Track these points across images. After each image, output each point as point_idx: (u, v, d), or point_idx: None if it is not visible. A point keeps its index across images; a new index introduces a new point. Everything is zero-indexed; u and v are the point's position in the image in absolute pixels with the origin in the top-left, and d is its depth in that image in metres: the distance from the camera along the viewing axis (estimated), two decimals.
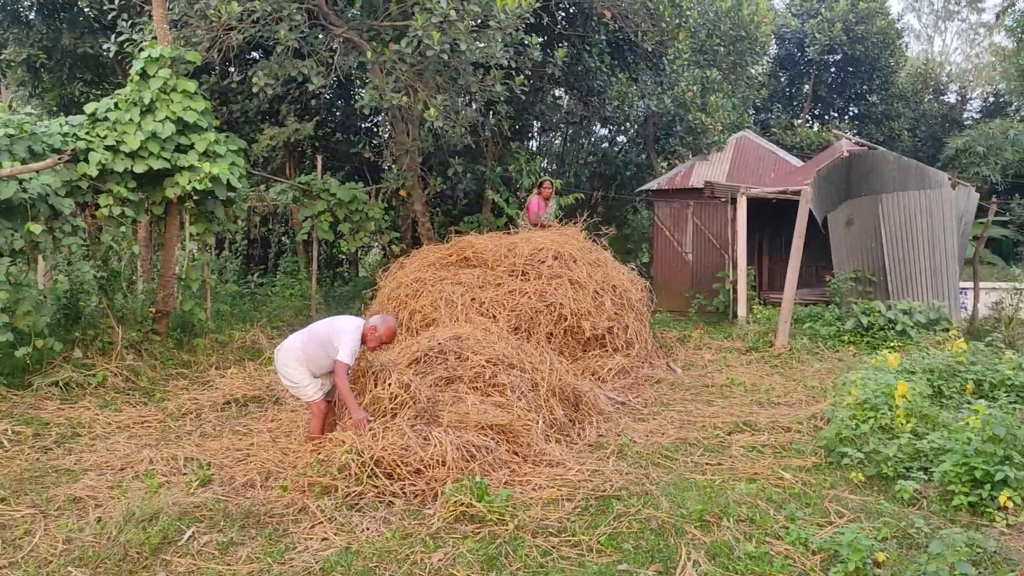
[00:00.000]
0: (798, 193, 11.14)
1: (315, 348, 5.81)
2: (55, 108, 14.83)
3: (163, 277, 9.16)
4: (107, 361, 8.28)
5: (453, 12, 8.76)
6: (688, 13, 13.08)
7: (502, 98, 10.19)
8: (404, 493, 5.14)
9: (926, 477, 5.11)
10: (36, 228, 7.02)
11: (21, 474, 5.61)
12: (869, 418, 5.87)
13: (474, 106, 10.92)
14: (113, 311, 8.64)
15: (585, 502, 5.04)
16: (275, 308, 11.90)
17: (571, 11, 14.13)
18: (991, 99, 28.76)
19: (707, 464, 5.90)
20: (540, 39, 10.54)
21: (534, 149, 19.13)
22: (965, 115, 28.54)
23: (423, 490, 5.18)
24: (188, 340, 9.61)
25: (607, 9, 11.73)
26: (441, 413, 6.04)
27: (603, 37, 14.01)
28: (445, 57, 8.90)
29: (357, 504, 5.01)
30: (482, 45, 9.17)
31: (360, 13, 10.48)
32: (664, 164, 20.31)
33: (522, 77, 10.02)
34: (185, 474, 5.68)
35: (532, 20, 10.11)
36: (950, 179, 10.92)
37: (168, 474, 5.66)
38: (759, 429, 6.80)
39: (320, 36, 10.42)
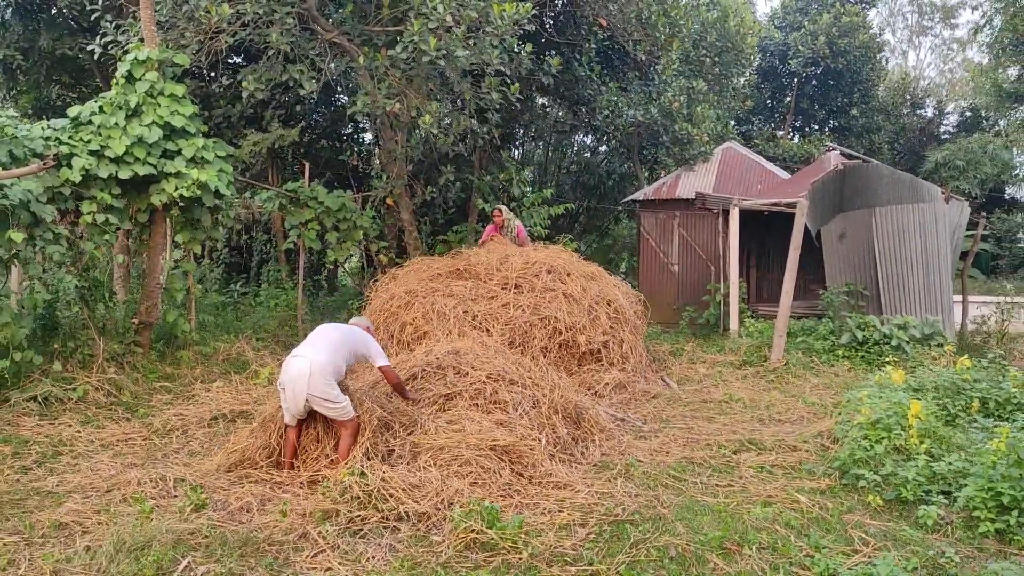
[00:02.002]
0: (792, 205, 11.09)
1: (341, 358, 5.81)
2: (30, 111, 14.42)
3: (147, 287, 8.84)
4: (88, 374, 7.95)
5: (449, 17, 8.58)
6: (681, 23, 13.02)
7: (496, 106, 10.01)
8: (409, 516, 4.92)
9: (946, 501, 4.99)
10: (17, 236, 6.70)
11: (1, 497, 5.31)
12: (882, 438, 5.75)
13: (465, 114, 10.73)
14: (94, 322, 8.31)
15: (599, 527, 4.86)
16: (259, 319, 11.59)
17: (560, 19, 14.02)
18: (967, 114, 29.15)
19: (717, 486, 5.74)
20: (531, 47, 10.39)
21: (517, 158, 19.00)
22: (942, 129, 28.91)
23: (428, 512, 4.97)
24: (171, 352, 9.29)
25: (603, 18, 11.62)
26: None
27: (593, 46, 13.90)
28: (441, 63, 8.70)
29: (360, 530, 4.78)
30: (466, 53, 8.96)
31: (351, 18, 10.27)
32: (647, 174, 20.26)
33: (517, 85, 9.84)
34: (175, 496, 5.41)
35: (528, 28, 9.97)
36: (944, 193, 10.93)
37: (158, 497, 5.38)
38: (765, 448, 6.66)
39: (310, 41, 10.17)
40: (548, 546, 4.54)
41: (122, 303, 9.23)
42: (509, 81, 9.99)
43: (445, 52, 8.71)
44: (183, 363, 9.06)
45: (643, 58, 13.68)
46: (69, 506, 5.13)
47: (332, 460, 5.73)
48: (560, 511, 5.09)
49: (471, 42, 8.95)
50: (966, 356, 7.54)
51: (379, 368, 6.01)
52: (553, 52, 13.22)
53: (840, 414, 6.98)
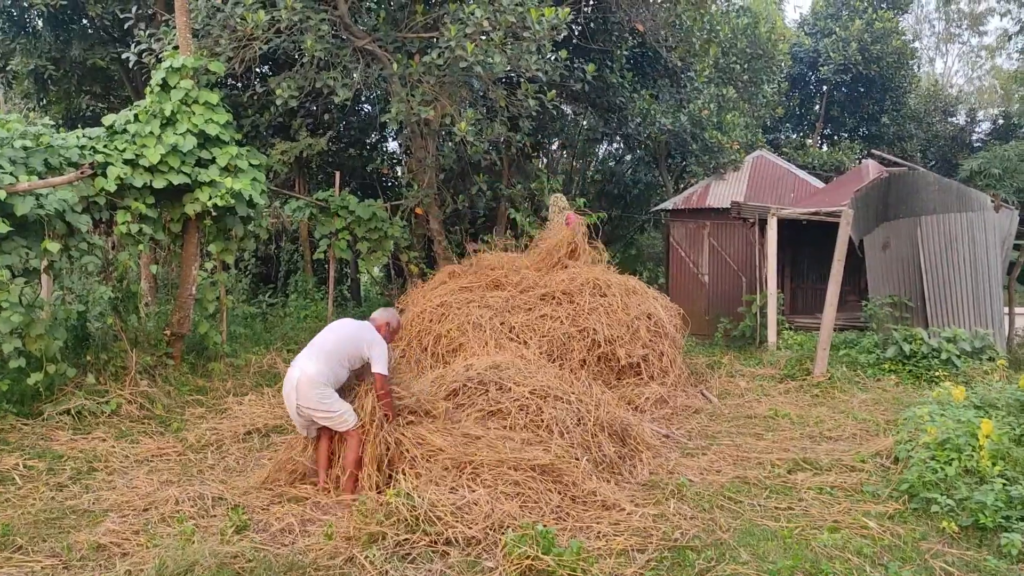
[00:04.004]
0: (833, 215, 10.80)
1: (338, 365, 5.47)
2: (61, 121, 14.43)
3: (179, 298, 8.71)
4: (120, 387, 7.82)
5: (487, 23, 8.40)
6: (717, 28, 12.78)
7: (532, 113, 9.82)
8: (458, 541, 4.70)
9: None
10: (54, 247, 6.57)
11: (37, 516, 5.15)
12: (952, 459, 5.46)
13: (498, 121, 10.55)
14: (127, 334, 8.19)
15: (659, 554, 4.61)
16: (289, 330, 11.44)
17: (591, 26, 13.83)
18: (1000, 121, 28.59)
19: (777, 508, 5.47)
20: (565, 54, 10.21)
21: (543, 167, 18.81)
22: (974, 137, 28.36)
23: (478, 537, 4.75)
24: (202, 364, 9.15)
25: (640, 23, 11.42)
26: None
27: (624, 52, 13.69)
28: (479, 69, 8.53)
29: (409, 555, 4.56)
30: (503, 59, 8.75)
31: (383, 25, 10.13)
32: (672, 182, 19.98)
33: (553, 92, 9.65)
34: (214, 516, 5.23)
35: (565, 34, 9.78)
36: (993, 201, 10.58)
37: (196, 516, 5.20)
38: (822, 468, 6.38)
39: (342, 48, 10.05)
40: (608, 574, 4.31)
41: (155, 314, 9.10)
42: (544, 88, 9.81)
43: (482, 58, 8.53)
44: (215, 375, 8.92)
45: (678, 64, 13.44)
46: (107, 526, 4.97)
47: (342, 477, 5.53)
48: (616, 535, 4.85)
49: (508, 48, 8.77)
50: None
51: (374, 373, 5.47)
52: (584, 59, 13.04)
53: (900, 432, 6.67)
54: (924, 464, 5.49)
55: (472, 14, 8.46)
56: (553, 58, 10.08)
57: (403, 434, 5.62)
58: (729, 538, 4.86)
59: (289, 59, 11.37)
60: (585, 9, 13.20)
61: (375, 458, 5.49)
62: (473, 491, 5.19)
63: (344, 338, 5.58)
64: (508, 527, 4.76)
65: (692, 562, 4.47)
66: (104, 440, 6.79)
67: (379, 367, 5.45)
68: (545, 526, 4.61)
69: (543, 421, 6.24)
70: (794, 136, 26.20)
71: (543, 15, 8.62)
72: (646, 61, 14.84)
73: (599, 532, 4.94)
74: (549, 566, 4.27)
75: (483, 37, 8.72)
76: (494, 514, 4.93)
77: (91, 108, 14.88)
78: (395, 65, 9.36)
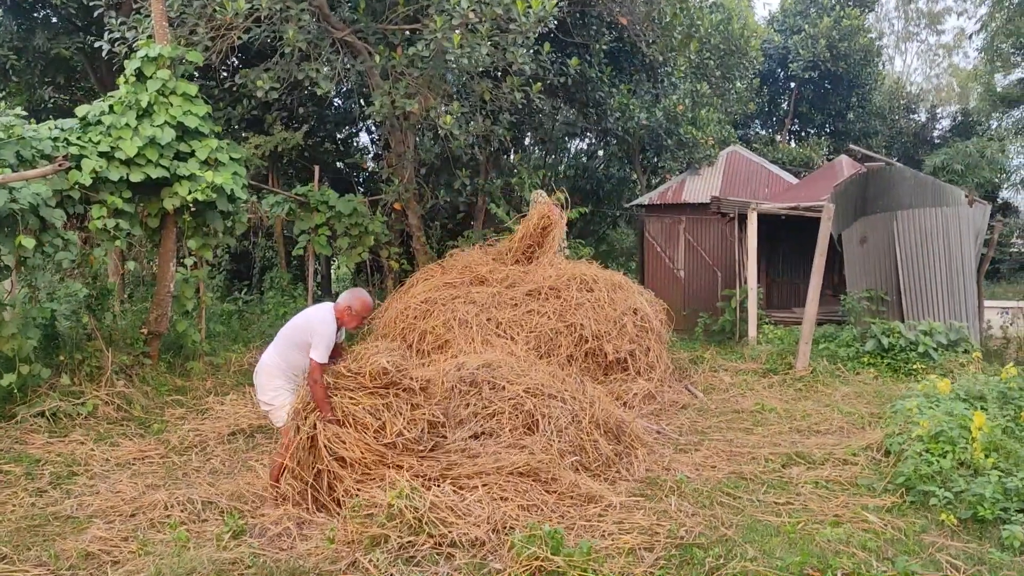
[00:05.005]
0: (811, 209, 10.89)
1: (292, 350, 5.23)
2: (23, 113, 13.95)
3: (157, 296, 8.45)
4: (96, 388, 7.56)
5: (472, 14, 8.28)
6: (698, 23, 12.79)
7: (518, 107, 9.72)
8: (462, 543, 4.61)
9: None
10: (29, 243, 6.31)
11: (19, 523, 4.94)
12: (947, 452, 5.51)
13: (482, 114, 10.43)
14: (102, 332, 7.92)
15: (667, 552, 4.57)
16: (266, 327, 11.20)
17: (568, 20, 13.76)
18: (959, 118, 29.23)
19: (776, 503, 5.47)
20: (549, 47, 10.12)
21: (514, 162, 18.71)
22: (935, 133, 28.95)
23: (482, 539, 4.66)
24: (181, 363, 8.90)
25: (624, 17, 11.37)
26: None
27: (602, 47, 13.65)
28: (465, 62, 8.39)
29: (413, 558, 4.46)
30: (483, 50, 8.63)
31: (364, 16, 9.93)
32: (645, 178, 20.03)
33: (538, 84, 9.55)
34: (205, 520, 5.06)
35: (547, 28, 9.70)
36: (967, 196, 10.76)
37: (187, 521, 5.02)
38: (815, 462, 6.41)
39: (323, 39, 9.84)
40: (618, 573, 4.25)
41: (130, 312, 8.82)
42: (530, 81, 9.71)
43: (468, 51, 8.40)
44: (194, 375, 8.69)
45: (657, 59, 13.43)
46: (93, 532, 4.78)
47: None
48: (622, 534, 4.80)
49: (494, 41, 8.65)
50: (1011, 364, 7.33)
51: (309, 358, 5.05)
52: (562, 53, 12.96)
53: (889, 425, 6.73)
54: (919, 457, 5.54)
55: (458, 5, 8.32)
56: (535, 51, 9.99)
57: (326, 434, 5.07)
58: (734, 534, 4.84)
59: (264, 50, 11.11)
60: (560, 3, 13.11)
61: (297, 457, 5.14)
62: (474, 491, 5.11)
63: (298, 323, 5.30)
64: (512, 528, 4.68)
65: (701, 560, 4.43)
66: (83, 443, 6.55)
67: (314, 352, 5.04)
68: (552, 526, 4.54)
69: (536, 421, 6.17)
70: (763, 132, 26.47)
71: (529, 7, 8.52)
72: (623, 56, 14.82)
73: (604, 531, 4.88)
74: (559, 567, 4.19)
75: (467, 28, 8.59)
76: (496, 515, 4.84)
77: (53, 100, 14.42)
78: (377, 58, 9.18)
